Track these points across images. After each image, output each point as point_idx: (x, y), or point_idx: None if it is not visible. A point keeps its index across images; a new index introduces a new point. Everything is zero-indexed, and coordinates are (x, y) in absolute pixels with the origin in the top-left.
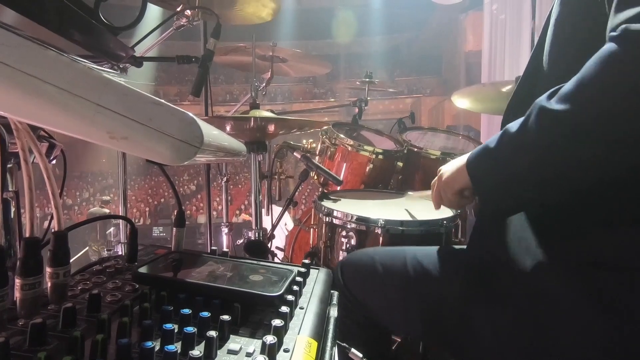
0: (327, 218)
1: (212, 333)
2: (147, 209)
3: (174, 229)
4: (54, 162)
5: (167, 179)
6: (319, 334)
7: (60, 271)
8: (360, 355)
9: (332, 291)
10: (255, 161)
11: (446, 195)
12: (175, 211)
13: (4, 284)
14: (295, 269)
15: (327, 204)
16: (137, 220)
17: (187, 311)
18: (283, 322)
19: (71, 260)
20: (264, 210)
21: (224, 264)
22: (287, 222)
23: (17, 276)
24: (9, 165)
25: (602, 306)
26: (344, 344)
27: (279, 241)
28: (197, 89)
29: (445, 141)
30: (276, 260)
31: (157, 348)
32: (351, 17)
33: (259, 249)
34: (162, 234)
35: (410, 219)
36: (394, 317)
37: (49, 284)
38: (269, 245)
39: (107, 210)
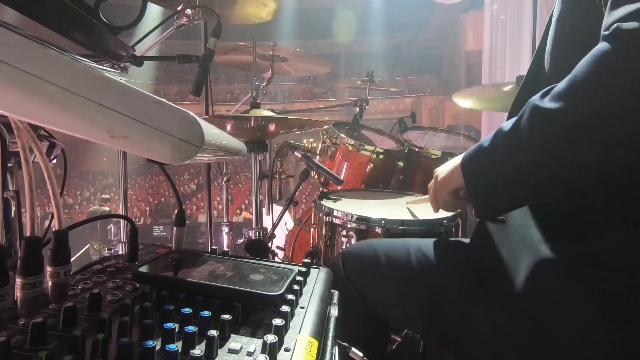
0: (328, 217)
1: (213, 332)
2: (148, 208)
3: (175, 228)
4: (54, 161)
5: (167, 178)
6: (320, 333)
7: (60, 270)
8: (361, 354)
9: (332, 290)
10: (256, 160)
11: (442, 195)
12: (176, 210)
13: (5, 283)
14: (296, 269)
15: (327, 203)
16: (137, 220)
17: (187, 310)
18: (284, 322)
19: (72, 260)
20: (264, 210)
21: (225, 263)
22: (288, 222)
23: (17, 275)
24: (9, 165)
25: (602, 306)
26: (345, 344)
27: (279, 240)
28: (197, 88)
29: (446, 141)
30: (277, 259)
31: (157, 347)
32: (351, 16)
33: (259, 248)
34: (162, 233)
35: (410, 218)
36: (394, 310)
37: (50, 283)
38: (269, 244)
39: (106, 209)
